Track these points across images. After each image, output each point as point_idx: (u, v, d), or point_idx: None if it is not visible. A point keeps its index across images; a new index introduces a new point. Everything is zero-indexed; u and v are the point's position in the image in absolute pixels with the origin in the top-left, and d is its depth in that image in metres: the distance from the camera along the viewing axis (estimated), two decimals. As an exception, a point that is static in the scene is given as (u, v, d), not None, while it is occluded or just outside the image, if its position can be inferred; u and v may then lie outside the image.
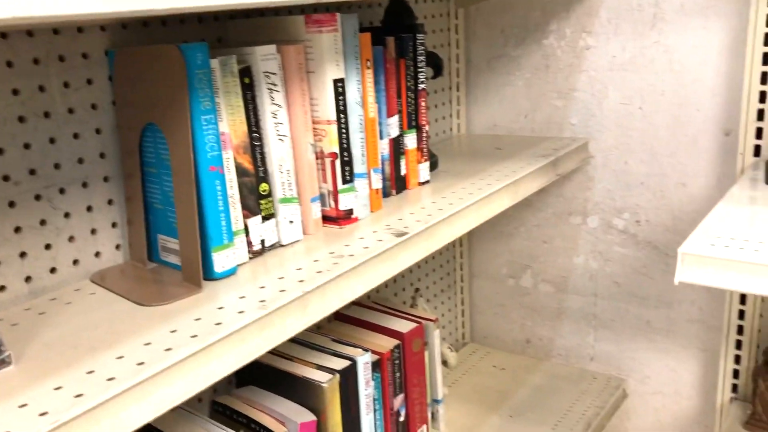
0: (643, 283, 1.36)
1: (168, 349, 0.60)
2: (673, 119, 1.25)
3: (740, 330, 1.23)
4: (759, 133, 1.13)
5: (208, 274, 0.76)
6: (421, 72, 1.06)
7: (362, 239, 0.85)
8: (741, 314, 1.22)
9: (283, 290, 0.71)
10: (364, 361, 1.00)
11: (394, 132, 1.02)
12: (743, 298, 1.21)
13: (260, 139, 0.82)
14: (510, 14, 1.39)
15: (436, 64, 1.19)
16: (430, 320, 1.20)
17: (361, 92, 0.92)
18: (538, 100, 1.39)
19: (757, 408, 1.15)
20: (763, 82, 1.11)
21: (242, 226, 0.80)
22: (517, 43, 1.39)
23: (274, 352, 1.03)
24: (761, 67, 1.10)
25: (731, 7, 1.16)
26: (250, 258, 0.82)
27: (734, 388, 1.25)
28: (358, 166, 0.93)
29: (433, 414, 1.25)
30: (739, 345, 1.23)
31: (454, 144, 1.41)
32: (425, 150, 1.08)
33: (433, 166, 1.17)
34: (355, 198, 0.92)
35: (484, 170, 1.15)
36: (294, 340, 1.06)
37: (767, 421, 1.13)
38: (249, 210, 0.81)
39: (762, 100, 1.11)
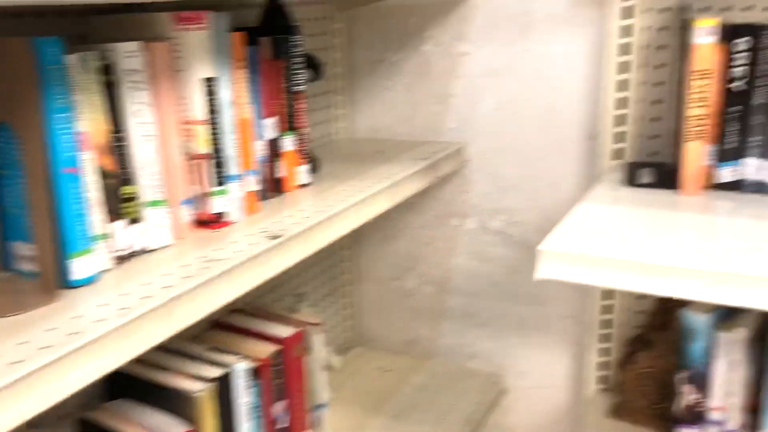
0: (518, 281, 1.41)
1: (15, 363, 0.56)
2: (543, 124, 1.31)
3: (609, 324, 1.29)
4: (620, 137, 1.20)
5: (66, 282, 0.71)
6: (299, 74, 1.05)
7: (235, 243, 0.83)
8: (609, 309, 1.29)
9: (147, 296, 0.69)
10: (241, 369, 0.98)
11: (271, 134, 1.01)
12: (609, 294, 1.28)
13: (123, 139, 0.78)
14: (390, 20, 1.41)
15: (315, 67, 1.19)
16: (313, 324, 1.19)
17: (234, 92, 0.90)
18: (417, 105, 1.42)
19: (622, 397, 1.22)
20: (620, 90, 1.18)
21: (104, 231, 0.76)
22: (397, 49, 1.41)
23: (146, 363, 0.98)
24: (615, 75, 1.17)
25: (592, 18, 1.23)
26: (115, 264, 0.78)
27: (605, 379, 1.32)
28: (232, 168, 0.91)
29: (316, 419, 1.24)
30: (608, 338, 1.30)
31: (336, 147, 1.41)
32: (304, 152, 1.08)
33: (315, 169, 1.17)
34: (228, 201, 0.90)
35: (364, 173, 1.16)
36: (169, 350, 1.02)
37: (630, 409, 1.20)
38: (112, 213, 0.77)
39: (619, 107, 1.19)
